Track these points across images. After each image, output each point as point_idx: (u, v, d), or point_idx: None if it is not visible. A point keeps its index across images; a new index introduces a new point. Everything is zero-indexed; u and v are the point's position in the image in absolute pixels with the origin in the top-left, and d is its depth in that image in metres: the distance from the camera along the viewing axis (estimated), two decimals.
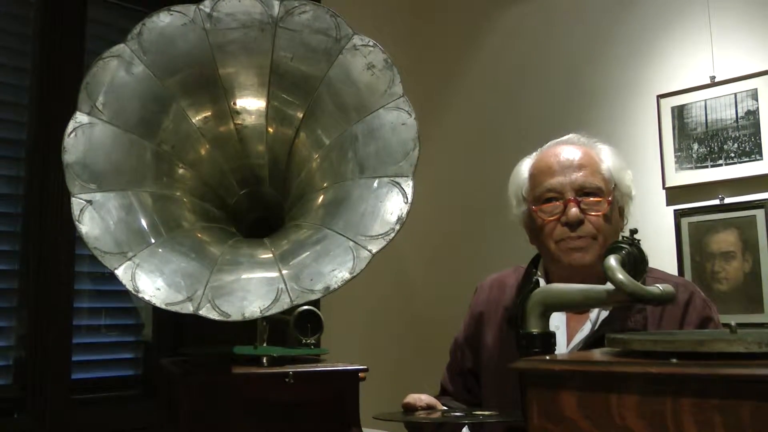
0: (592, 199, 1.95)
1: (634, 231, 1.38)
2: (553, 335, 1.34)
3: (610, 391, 0.99)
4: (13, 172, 2.77)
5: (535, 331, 1.32)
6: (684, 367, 0.94)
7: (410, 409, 1.87)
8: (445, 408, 1.97)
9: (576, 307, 1.76)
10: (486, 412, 1.68)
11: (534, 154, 2.11)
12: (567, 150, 2.03)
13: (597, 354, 1.17)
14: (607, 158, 2.03)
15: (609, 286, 1.26)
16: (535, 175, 2.04)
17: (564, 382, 1.04)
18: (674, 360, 0.97)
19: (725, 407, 0.90)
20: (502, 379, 1.96)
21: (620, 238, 1.42)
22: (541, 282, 2.03)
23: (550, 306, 1.35)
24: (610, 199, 1.96)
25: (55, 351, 2.71)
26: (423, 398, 1.91)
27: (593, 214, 1.95)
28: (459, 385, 2.16)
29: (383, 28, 3.44)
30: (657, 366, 0.96)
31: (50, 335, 2.70)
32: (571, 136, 2.10)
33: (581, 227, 1.94)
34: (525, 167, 2.10)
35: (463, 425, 1.91)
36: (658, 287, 1.24)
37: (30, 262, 2.72)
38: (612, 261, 1.26)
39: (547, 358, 1.14)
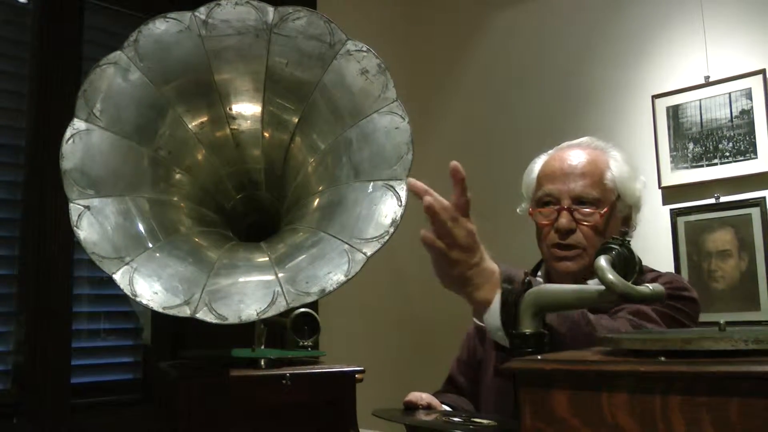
0: (586, 209, 1.97)
1: (624, 232, 1.39)
2: (545, 335, 1.36)
3: (601, 390, 1.00)
4: (11, 178, 2.78)
5: (527, 331, 1.33)
6: (672, 365, 0.96)
7: (411, 407, 1.88)
8: (447, 409, 1.97)
9: (568, 308, 1.77)
10: (485, 421, 1.68)
11: (549, 152, 2.13)
12: (574, 155, 2.04)
13: (587, 353, 1.18)
14: (615, 167, 2.03)
15: (600, 286, 1.28)
16: (541, 177, 2.07)
17: (555, 381, 1.05)
18: (662, 358, 0.98)
19: (713, 404, 0.91)
20: (499, 381, 1.98)
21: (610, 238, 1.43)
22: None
23: (543, 306, 1.36)
24: (604, 211, 1.97)
25: (54, 355, 2.73)
26: (424, 397, 1.91)
27: (585, 224, 1.97)
28: (468, 379, 2.17)
29: (377, 33, 3.45)
30: (646, 364, 0.97)
31: (49, 339, 2.72)
32: (584, 139, 2.11)
33: (572, 236, 1.97)
34: (537, 167, 2.12)
35: None
36: (648, 287, 1.25)
37: (28, 266, 2.73)
38: (602, 261, 1.27)
39: (539, 357, 1.15)
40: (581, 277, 1.93)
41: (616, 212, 2.01)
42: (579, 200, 1.98)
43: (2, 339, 2.71)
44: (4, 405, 2.65)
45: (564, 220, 1.96)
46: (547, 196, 2.01)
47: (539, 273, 2.11)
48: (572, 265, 1.97)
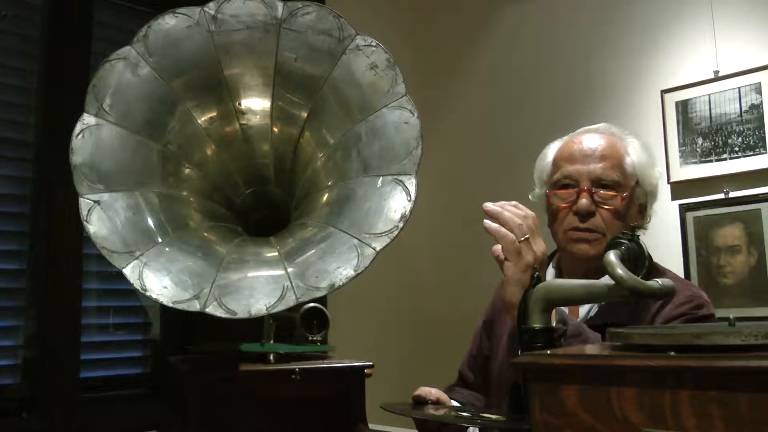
0: (606, 192, 1.94)
1: (634, 227, 1.39)
2: (555, 330, 1.35)
3: (610, 385, 1.01)
4: (20, 173, 2.79)
5: (537, 326, 1.33)
6: (682, 360, 0.96)
7: (420, 401, 1.88)
8: (456, 404, 1.97)
9: (578, 303, 1.77)
10: (493, 416, 1.68)
11: (564, 138, 2.11)
12: (592, 138, 2.02)
13: (597, 348, 1.18)
14: (634, 152, 2.01)
15: (609, 281, 1.27)
16: (557, 161, 2.04)
17: (565, 376, 1.05)
18: (672, 353, 0.99)
19: (723, 399, 0.92)
20: (506, 373, 1.97)
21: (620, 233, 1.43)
22: (550, 273, 2.04)
23: (553, 301, 1.36)
24: (625, 195, 1.95)
25: (63, 350, 2.74)
26: (433, 392, 1.91)
27: (605, 207, 1.94)
28: (478, 374, 2.16)
29: (386, 28, 3.45)
30: (655, 359, 0.97)
31: (58, 334, 2.73)
32: (602, 125, 2.09)
33: (591, 219, 1.94)
34: (551, 151, 2.09)
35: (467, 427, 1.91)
36: (657, 282, 1.25)
37: (38, 261, 2.74)
38: (612, 256, 1.27)
39: (548, 352, 1.15)
40: (595, 266, 1.91)
41: (635, 198, 2.00)
42: (599, 182, 1.95)
43: (12, 334, 2.72)
44: (13, 399, 2.66)
45: (584, 201, 1.93)
46: (566, 178, 1.98)
47: (552, 263, 2.09)
48: (590, 249, 1.94)
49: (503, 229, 1.75)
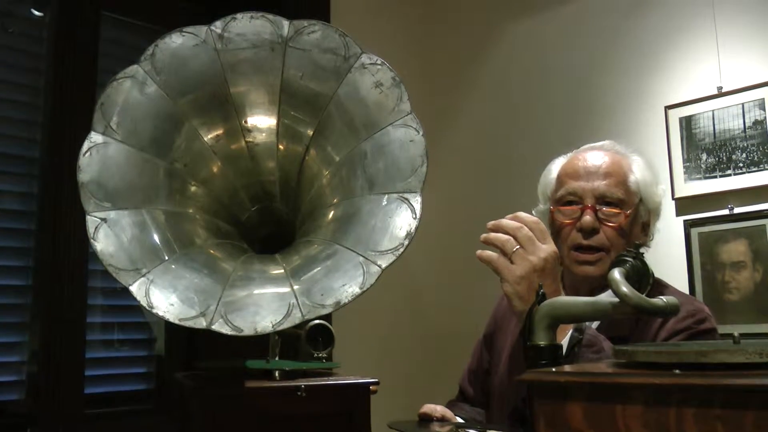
0: (610, 209, 1.95)
1: (639, 245, 1.39)
2: (560, 347, 1.36)
3: (615, 402, 1.01)
4: (26, 189, 2.80)
5: (542, 343, 1.34)
6: (687, 378, 0.96)
7: (426, 419, 1.88)
8: (460, 421, 1.97)
9: (583, 320, 1.77)
10: None
11: (568, 154, 2.12)
12: (596, 156, 2.03)
13: (602, 365, 1.19)
14: (638, 170, 2.02)
15: (614, 298, 1.28)
16: (561, 177, 2.05)
17: (569, 393, 1.05)
18: (677, 371, 0.99)
19: (727, 417, 0.92)
20: (507, 388, 1.97)
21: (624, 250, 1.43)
22: None
23: (557, 318, 1.36)
24: (629, 212, 1.95)
25: (67, 365, 2.74)
26: (438, 409, 1.92)
27: (609, 225, 1.94)
28: (477, 388, 2.16)
29: (390, 44, 3.46)
30: (660, 377, 0.98)
31: (63, 350, 2.73)
32: (606, 142, 2.10)
33: (595, 236, 1.95)
34: (555, 167, 2.11)
35: None
36: (662, 299, 1.25)
37: (43, 277, 2.75)
38: (616, 274, 1.27)
39: (554, 369, 1.15)
40: (599, 284, 1.92)
41: (638, 216, 2.00)
42: (603, 200, 1.96)
43: (16, 349, 2.72)
44: (18, 415, 2.66)
45: (588, 218, 1.93)
46: (570, 195, 1.99)
47: None
48: (593, 270, 1.94)
49: (486, 253, 1.76)
